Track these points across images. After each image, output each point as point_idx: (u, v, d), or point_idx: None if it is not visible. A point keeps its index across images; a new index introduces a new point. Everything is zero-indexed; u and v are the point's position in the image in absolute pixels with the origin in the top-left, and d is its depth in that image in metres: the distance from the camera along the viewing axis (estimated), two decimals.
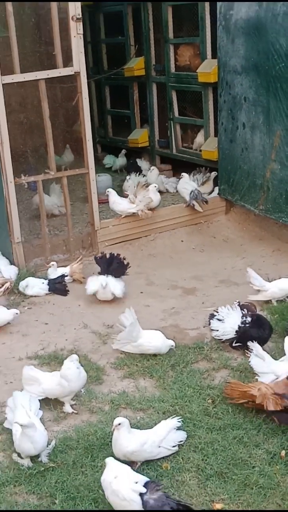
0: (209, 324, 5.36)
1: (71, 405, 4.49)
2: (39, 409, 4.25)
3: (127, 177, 8.61)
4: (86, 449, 4.02)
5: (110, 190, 7.53)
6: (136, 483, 3.45)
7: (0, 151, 6.37)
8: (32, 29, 8.89)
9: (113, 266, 6.18)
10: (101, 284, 5.96)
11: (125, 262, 6.22)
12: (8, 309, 5.74)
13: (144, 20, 9.01)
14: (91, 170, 7.06)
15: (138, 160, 9.58)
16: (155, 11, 8.85)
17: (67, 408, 4.46)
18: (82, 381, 4.48)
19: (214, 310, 5.40)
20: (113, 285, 6.05)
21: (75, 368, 4.39)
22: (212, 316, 5.37)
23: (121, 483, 3.45)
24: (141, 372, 4.92)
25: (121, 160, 9.91)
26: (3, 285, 6.05)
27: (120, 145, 10.04)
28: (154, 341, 5.06)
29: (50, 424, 4.31)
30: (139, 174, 8.74)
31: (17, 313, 5.59)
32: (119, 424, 3.81)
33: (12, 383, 4.84)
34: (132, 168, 9.26)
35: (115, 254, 6.28)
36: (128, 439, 3.83)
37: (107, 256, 6.26)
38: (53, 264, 6.59)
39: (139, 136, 9.59)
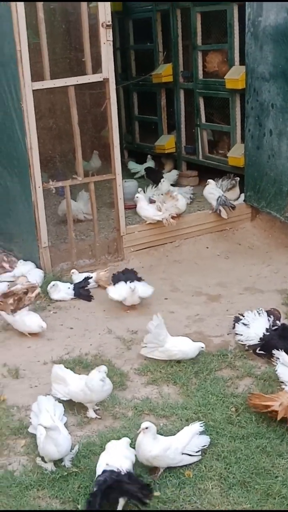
0: (234, 327, 5.35)
1: (95, 410, 4.52)
2: (63, 414, 4.28)
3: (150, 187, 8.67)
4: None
5: (140, 195, 7.57)
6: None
7: (29, 156, 6.44)
8: (62, 36, 8.97)
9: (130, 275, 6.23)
10: (130, 287, 5.97)
11: (138, 275, 6.26)
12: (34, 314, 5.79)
13: (173, 26, 9.05)
14: (118, 176, 7.11)
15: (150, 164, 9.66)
16: (184, 17, 8.88)
17: (91, 413, 4.49)
18: (105, 394, 4.48)
19: (240, 314, 5.38)
20: (141, 289, 6.07)
21: (98, 380, 4.39)
22: (237, 319, 5.36)
23: None
24: (165, 378, 4.93)
25: (148, 165, 9.93)
26: (29, 291, 6.06)
27: (147, 151, 10.08)
28: (180, 345, 5.07)
29: (74, 429, 4.34)
30: (155, 185, 8.72)
31: (43, 327, 5.61)
32: (146, 428, 3.84)
33: (36, 387, 4.89)
34: (150, 175, 9.30)
35: (130, 269, 6.33)
36: (152, 444, 3.85)
37: (121, 271, 6.33)
38: (73, 272, 6.64)
39: (166, 142, 9.61)
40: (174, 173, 9.33)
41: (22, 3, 6.04)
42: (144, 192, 8.18)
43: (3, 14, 6.22)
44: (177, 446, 3.90)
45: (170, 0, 8.87)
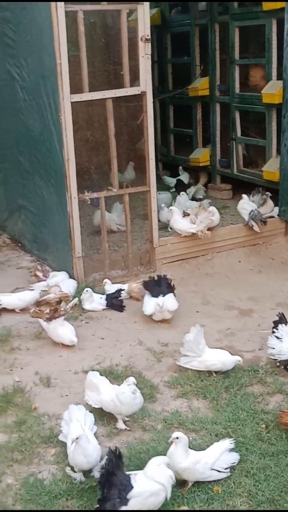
0: (275, 327, 5.30)
1: (124, 422, 4.53)
2: (94, 423, 4.30)
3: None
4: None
5: (174, 208, 7.60)
6: None
7: (66, 167, 6.51)
8: (101, 49, 9.09)
9: (161, 287, 6.20)
10: (157, 304, 5.99)
11: (172, 284, 6.24)
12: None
13: (210, 40, 9.10)
14: (153, 188, 7.15)
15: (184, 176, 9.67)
16: (222, 32, 8.93)
17: (120, 425, 4.50)
18: (136, 407, 4.47)
19: (274, 327, 5.33)
20: (169, 303, 6.07)
21: (130, 392, 4.39)
22: (280, 321, 5.31)
23: None
24: (195, 392, 4.92)
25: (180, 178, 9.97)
26: (62, 301, 6.12)
27: (182, 164, 10.12)
28: (218, 356, 5.08)
29: (103, 439, 4.35)
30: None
31: (73, 341, 5.65)
32: (177, 438, 3.84)
33: (67, 396, 4.92)
34: (179, 187, 9.33)
35: (163, 276, 6.32)
36: (182, 456, 3.85)
37: (155, 278, 6.32)
38: (106, 282, 6.68)
39: (201, 155, 9.64)
40: (193, 189, 9.32)
41: (63, 16, 6.13)
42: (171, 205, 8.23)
43: (44, 27, 6.33)
44: (207, 460, 3.89)
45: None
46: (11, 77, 7.28)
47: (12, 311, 6.33)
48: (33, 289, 6.52)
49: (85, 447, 3.90)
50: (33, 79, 6.85)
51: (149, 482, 3.60)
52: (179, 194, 8.79)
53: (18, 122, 7.38)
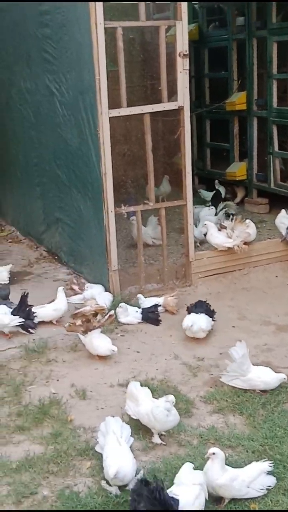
0: None
1: (160, 436, 4.51)
2: (131, 435, 4.28)
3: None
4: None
5: (208, 223, 7.59)
6: None
7: (103, 181, 6.57)
8: (139, 64, 9.17)
9: (202, 308, 6.16)
10: (188, 325, 5.94)
11: (212, 309, 6.21)
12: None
13: (248, 55, 9.10)
14: (189, 202, 7.16)
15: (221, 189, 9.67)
16: (260, 46, 8.92)
17: (156, 439, 4.48)
18: (169, 424, 4.43)
19: None
20: (202, 323, 6.01)
21: (163, 409, 4.36)
22: None
23: None
24: (231, 408, 4.88)
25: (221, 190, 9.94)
26: (98, 313, 6.14)
27: (218, 178, 10.10)
28: (264, 376, 5.02)
29: (139, 453, 4.34)
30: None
31: (113, 351, 5.66)
32: (214, 453, 3.81)
33: (103, 409, 4.93)
34: (214, 201, 9.32)
35: (204, 301, 6.29)
36: (219, 472, 3.82)
37: (197, 302, 6.29)
38: (139, 297, 6.69)
39: (238, 169, 9.61)
40: (222, 204, 9.22)
41: (103, 33, 6.21)
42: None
43: (83, 43, 6.43)
44: (244, 478, 3.85)
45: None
46: (50, 93, 7.40)
47: (50, 322, 6.39)
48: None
49: (122, 478, 3.88)
50: (72, 95, 6.94)
51: (189, 488, 3.65)
52: (213, 207, 8.76)
53: (57, 137, 7.48)
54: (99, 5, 6.14)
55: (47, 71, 7.39)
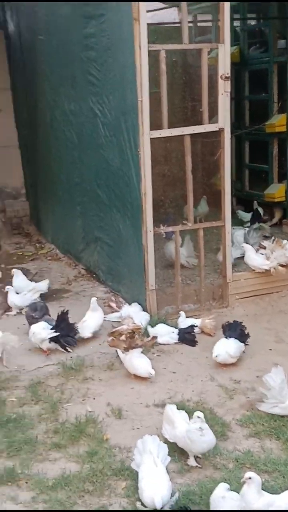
0: None
1: (195, 458, 4.49)
2: (168, 454, 4.27)
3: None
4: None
5: (245, 245, 7.57)
6: None
7: (143, 201, 6.63)
8: (181, 86, 9.24)
9: (236, 332, 6.10)
10: (214, 355, 5.88)
11: (246, 332, 6.15)
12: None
13: None
14: (227, 223, 7.17)
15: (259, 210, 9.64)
16: None
17: (191, 461, 4.47)
18: (206, 445, 4.40)
19: None
20: (231, 350, 5.93)
21: (195, 429, 4.34)
22: None
23: None
24: (268, 432, 4.84)
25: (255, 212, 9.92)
26: (135, 333, 6.16)
27: (256, 199, 10.09)
28: None
29: (174, 475, 4.32)
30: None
31: (151, 374, 5.66)
32: (250, 478, 3.79)
33: (138, 429, 4.93)
34: (256, 218, 9.28)
35: (239, 322, 6.24)
36: (255, 496, 3.79)
37: (231, 322, 6.24)
38: (180, 314, 6.70)
39: (276, 191, 9.59)
40: (256, 225, 9.14)
41: (146, 56, 6.30)
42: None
43: (127, 66, 6.54)
44: (280, 504, 3.80)
45: None
46: (93, 114, 7.53)
47: (88, 339, 6.47)
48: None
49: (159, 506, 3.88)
50: (114, 116, 7.05)
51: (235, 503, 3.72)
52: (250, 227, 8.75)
53: (99, 157, 7.60)
54: (144, 28, 6.25)
55: (91, 93, 7.53)
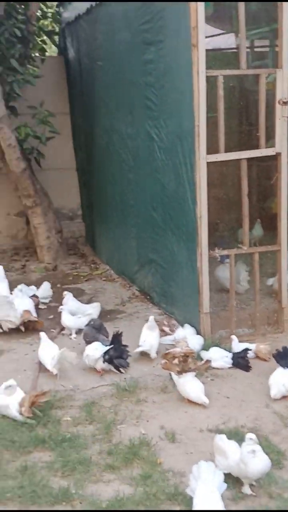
0: None
1: (250, 486, 4.43)
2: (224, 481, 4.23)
3: None
4: None
5: None
6: None
7: (198, 225, 6.66)
8: (237, 111, 9.27)
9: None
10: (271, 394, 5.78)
11: None
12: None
13: None
14: (284, 247, 7.11)
15: None
16: None
17: (246, 489, 4.41)
18: (261, 466, 4.33)
19: None
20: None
21: (247, 452, 4.30)
22: None
23: None
24: None
25: None
26: (187, 355, 6.14)
27: None
28: None
29: (228, 503, 4.27)
30: None
31: (205, 402, 5.59)
32: None
33: (192, 453, 4.90)
34: None
35: None
36: None
37: (281, 350, 6.13)
38: (233, 339, 6.66)
39: None
40: None
41: (204, 81, 6.37)
42: None
43: (184, 91, 6.61)
44: None
45: None
46: (150, 138, 7.63)
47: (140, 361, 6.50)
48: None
49: None
50: (170, 140, 7.13)
51: None
52: None
53: (154, 180, 7.68)
54: (202, 54, 6.32)
55: (148, 117, 7.64)
